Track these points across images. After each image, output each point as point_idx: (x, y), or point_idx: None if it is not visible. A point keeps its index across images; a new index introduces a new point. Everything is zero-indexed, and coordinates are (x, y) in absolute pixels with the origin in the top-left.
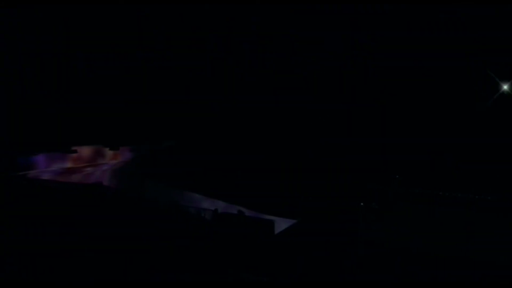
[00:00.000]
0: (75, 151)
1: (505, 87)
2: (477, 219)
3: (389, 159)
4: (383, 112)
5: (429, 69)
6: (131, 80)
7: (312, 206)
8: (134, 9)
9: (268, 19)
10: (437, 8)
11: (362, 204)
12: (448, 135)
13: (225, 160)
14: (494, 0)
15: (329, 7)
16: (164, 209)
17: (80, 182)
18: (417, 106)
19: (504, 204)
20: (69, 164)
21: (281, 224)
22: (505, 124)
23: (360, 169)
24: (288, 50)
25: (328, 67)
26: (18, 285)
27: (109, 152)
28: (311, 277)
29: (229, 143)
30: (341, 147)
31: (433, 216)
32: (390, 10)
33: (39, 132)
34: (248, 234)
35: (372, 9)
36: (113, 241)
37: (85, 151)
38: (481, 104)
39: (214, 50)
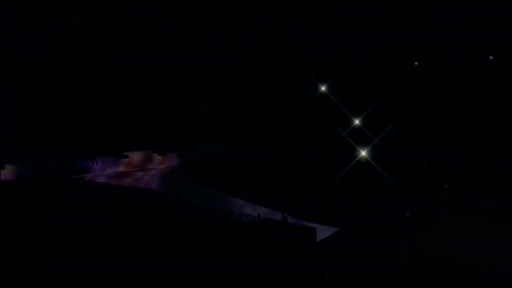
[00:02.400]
0: (127, 157)
1: None
2: None
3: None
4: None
5: (429, 69)
6: (178, 88)
7: (356, 215)
8: (134, 9)
9: (268, 19)
10: (437, 8)
11: (407, 214)
12: (451, 136)
13: (268, 166)
14: (494, 0)
15: (329, 7)
16: (208, 213)
17: (131, 186)
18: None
19: None
20: (121, 169)
21: (323, 232)
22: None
23: (405, 177)
24: (288, 50)
25: (328, 67)
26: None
27: (157, 158)
28: (353, 286)
29: (273, 149)
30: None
31: (484, 227)
32: (390, 10)
33: (96, 138)
34: (290, 241)
35: (372, 9)
36: (159, 242)
37: (136, 156)
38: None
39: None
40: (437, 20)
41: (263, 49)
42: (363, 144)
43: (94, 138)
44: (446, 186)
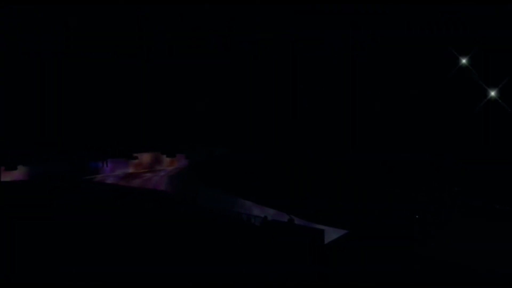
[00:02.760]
0: (136, 158)
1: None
2: None
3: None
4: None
5: (429, 69)
6: (178, 88)
7: (364, 217)
8: (134, 9)
9: (268, 19)
10: (437, 8)
11: (416, 216)
12: (452, 136)
13: (273, 166)
14: (494, 0)
15: (329, 7)
16: (216, 214)
17: (140, 187)
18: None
19: None
20: (130, 170)
21: (332, 234)
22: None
23: (415, 179)
24: (288, 50)
25: (328, 67)
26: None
27: (166, 159)
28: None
29: (274, 149)
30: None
31: (495, 231)
32: (390, 10)
33: (105, 139)
34: (298, 243)
35: (372, 9)
36: (166, 243)
37: (145, 157)
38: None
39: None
40: (437, 20)
41: (263, 49)
42: (363, 144)
43: (104, 139)
44: (456, 189)
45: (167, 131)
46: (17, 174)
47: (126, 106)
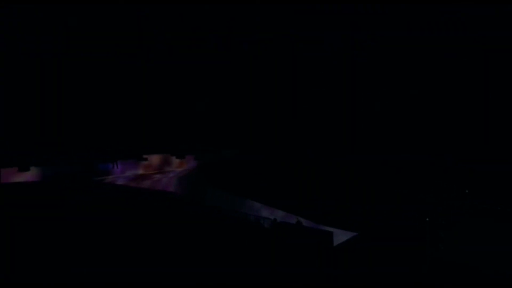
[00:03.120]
0: (146, 159)
1: None
2: None
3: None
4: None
5: (430, 69)
6: (186, 88)
7: (371, 218)
8: (134, 9)
9: (268, 19)
10: (437, 8)
11: (427, 219)
12: (451, 136)
13: (283, 169)
14: (494, 0)
15: (329, 7)
16: (225, 216)
17: (150, 188)
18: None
19: None
20: (140, 171)
21: (340, 236)
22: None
23: (419, 179)
24: (288, 50)
25: (328, 67)
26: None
27: (175, 160)
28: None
29: (275, 149)
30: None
31: (503, 232)
32: (390, 10)
33: (116, 141)
34: (306, 244)
35: (372, 9)
36: (176, 243)
37: (155, 159)
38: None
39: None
40: (437, 20)
41: (263, 49)
42: (363, 144)
43: (114, 141)
44: (467, 191)
45: (171, 132)
46: (30, 175)
47: (131, 107)
